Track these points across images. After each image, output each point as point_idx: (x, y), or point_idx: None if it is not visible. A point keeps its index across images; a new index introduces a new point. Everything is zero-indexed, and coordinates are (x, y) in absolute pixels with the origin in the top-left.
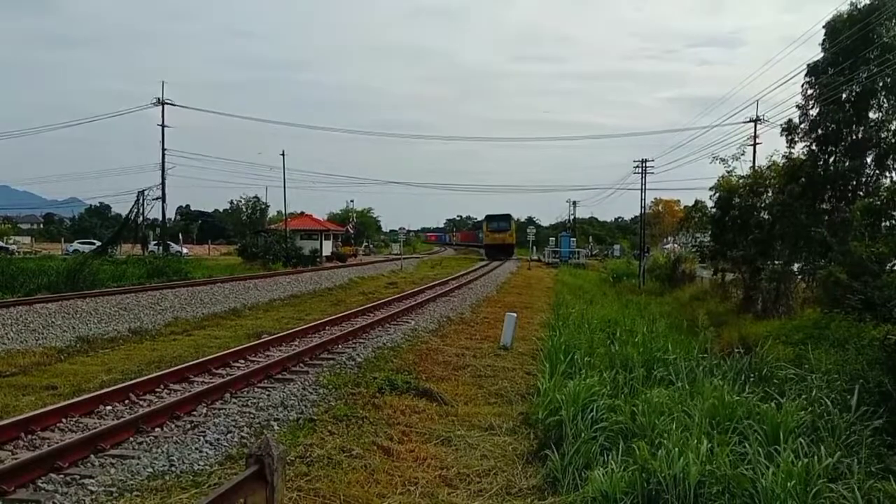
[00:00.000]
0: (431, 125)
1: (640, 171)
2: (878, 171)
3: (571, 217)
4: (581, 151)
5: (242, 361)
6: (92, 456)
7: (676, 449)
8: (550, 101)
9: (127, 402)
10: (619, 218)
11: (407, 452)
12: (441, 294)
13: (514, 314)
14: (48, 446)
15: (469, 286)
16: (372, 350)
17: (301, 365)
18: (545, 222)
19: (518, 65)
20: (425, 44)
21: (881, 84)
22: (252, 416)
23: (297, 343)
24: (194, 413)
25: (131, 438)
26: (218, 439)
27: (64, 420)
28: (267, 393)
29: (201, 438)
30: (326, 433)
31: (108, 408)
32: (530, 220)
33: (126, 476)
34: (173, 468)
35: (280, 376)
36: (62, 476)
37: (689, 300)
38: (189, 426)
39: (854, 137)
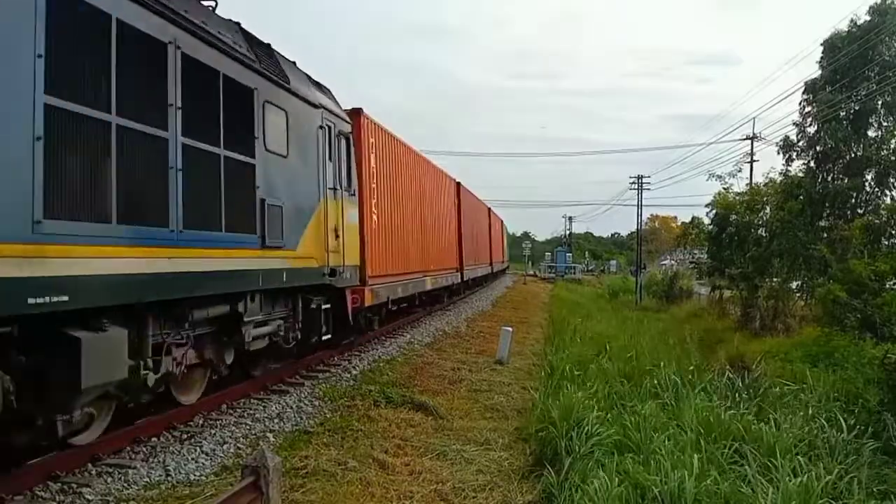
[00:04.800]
0: (429, 139)
1: (636, 187)
2: (878, 189)
3: (567, 232)
4: (577, 167)
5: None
6: (89, 465)
7: (669, 464)
8: (547, 118)
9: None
10: (616, 234)
11: (402, 466)
12: (436, 308)
13: (510, 329)
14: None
15: (464, 300)
16: (367, 363)
17: (297, 377)
18: (541, 237)
19: (516, 81)
20: (424, 61)
21: (881, 102)
22: (248, 427)
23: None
24: (191, 424)
25: (128, 448)
26: (214, 450)
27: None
28: (263, 405)
29: (197, 449)
30: (322, 445)
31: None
32: (526, 235)
33: (122, 486)
34: (169, 478)
35: (276, 388)
36: (59, 484)
37: (686, 317)
38: (185, 436)
39: (853, 155)
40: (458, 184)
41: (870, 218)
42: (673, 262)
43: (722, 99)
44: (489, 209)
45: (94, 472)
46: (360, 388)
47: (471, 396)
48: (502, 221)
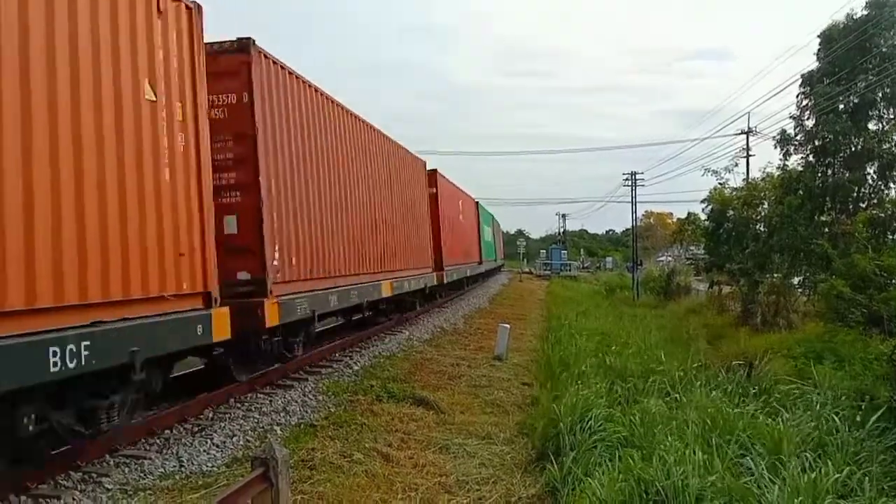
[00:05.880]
0: (424, 140)
1: (630, 183)
2: (881, 183)
3: (562, 230)
4: (570, 164)
5: None
6: (107, 455)
7: (673, 459)
8: (540, 115)
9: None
10: (611, 230)
11: (406, 459)
12: (433, 305)
13: (508, 325)
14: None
15: (461, 297)
16: (368, 359)
17: (301, 372)
18: (535, 235)
19: (507, 79)
20: (415, 61)
21: (881, 94)
22: (255, 420)
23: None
24: (201, 417)
25: (143, 440)
26: (224, 442)
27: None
28: (269, 399)
29: (208, 441)
30: (327, 438)
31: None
32: (520, 233)
33: (139, 475)
34: (183, 469)
35: (281, 383)
36: (80, 474)
37: (684, 313)
38: (196, 429)
39: (853, 148)
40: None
41: (874, 212)
42: (670, 258)
43: (716, 94)
44: (435, 174)
45: (112, 463)
46: (362, 384)
47: (471, 392)
48: (477, 204)
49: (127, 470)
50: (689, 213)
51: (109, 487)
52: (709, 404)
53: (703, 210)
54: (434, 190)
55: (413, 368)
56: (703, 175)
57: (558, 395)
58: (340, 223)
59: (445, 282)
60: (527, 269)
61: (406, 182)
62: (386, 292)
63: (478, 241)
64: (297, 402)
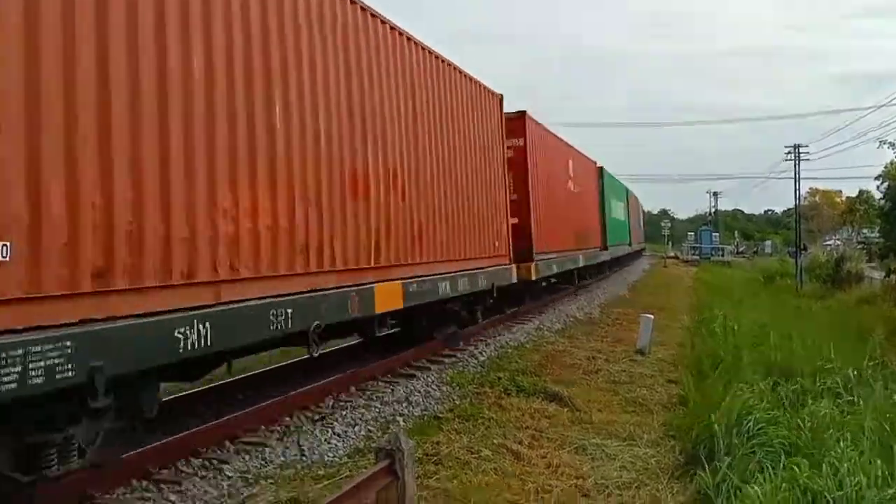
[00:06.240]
0: (552, 111)
1: (792, 158)
2: None
3: (713, 209)
4: (722, 137)
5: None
6: (227, 442)
7: (846, 468)
8: (690, 83)
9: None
10: (770, 210)
11: (538, 458)
12: (563, 292)
13: (651, 316)
14: (187, 430)
15: (596, 283)
16: (494, 349)
17: (423, 361)
18: (682, 215)
19: (648, 45)
20: (546, 24)
21: None
22: (377, 410)
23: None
24: (322, 405)
25: (263, 427)
26: (346, 431)
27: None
28: (391, 388)
29: (329, 430)
30: (453, 432)
31: (240, 396)
32: (664, 213)
33: (259, 463)
34: (304, 458)
35: (403, 371)
36: (200, 460)
37: (856, 304)
38: (317, 417)
39: None
40: None
41: None
42: (839, 242)
43: (890, 56)
44: (524, 119)
45: (232, 450)
46: (489, 376)
47: (609, 388)
48: (601, 170)
49: (247, 457)
50: (861, 192)
51: (230, 475)
52: (889, 408)
53: (877, 188)
54: (520, 141)
55: (544, 361)
56: (878, 148)
57: (710, 394)
58: (258, 167)
59: (536, 277)
60: (672, 254)
61: (457, 119)
62: (385, 304)
63: (599, 219)
64: (419, 392)
